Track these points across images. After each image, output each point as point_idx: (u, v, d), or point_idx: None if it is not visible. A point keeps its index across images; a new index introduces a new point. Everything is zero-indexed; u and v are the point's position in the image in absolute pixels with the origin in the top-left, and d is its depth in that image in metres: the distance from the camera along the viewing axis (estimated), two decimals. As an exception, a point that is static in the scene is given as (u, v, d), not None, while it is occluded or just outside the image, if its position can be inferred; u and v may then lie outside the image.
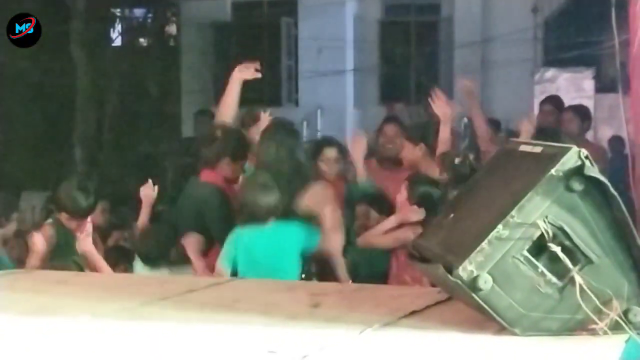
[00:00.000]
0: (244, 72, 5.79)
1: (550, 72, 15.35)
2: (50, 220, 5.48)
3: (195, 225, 5.21)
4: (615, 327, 2.52)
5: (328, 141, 6.36)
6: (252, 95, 16.43)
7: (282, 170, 5.14)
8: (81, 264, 4.99)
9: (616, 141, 10.40)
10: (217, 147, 5.41)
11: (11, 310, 2.95)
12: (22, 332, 2.71)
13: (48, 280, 3.66)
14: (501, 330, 2.55)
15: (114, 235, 7.11)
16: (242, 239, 4.90)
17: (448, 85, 16.01)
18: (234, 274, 4.82)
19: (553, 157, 2.55)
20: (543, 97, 10.08)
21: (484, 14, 15.64)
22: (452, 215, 2.85)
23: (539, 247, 2.52)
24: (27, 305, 3.05)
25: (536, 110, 9.24)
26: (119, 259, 5.62)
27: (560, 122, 7.89)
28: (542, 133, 6.71)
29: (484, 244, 2.50)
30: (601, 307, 2.51)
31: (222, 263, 4.87)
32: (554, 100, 8.42)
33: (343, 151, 6.03)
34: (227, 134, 5.50)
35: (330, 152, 5.98)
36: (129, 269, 5.35)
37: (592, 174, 2.52)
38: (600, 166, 2.64)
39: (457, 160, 5.46)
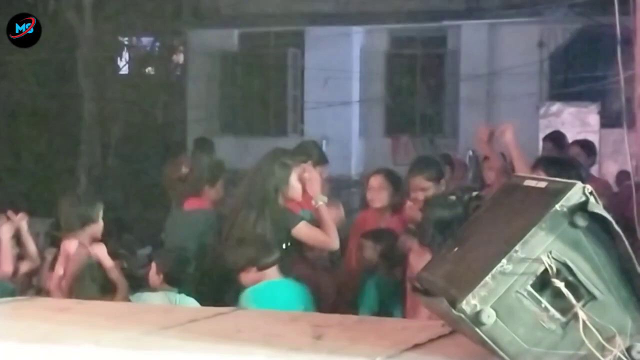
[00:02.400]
0: None
1: (556, 107, 15.39)
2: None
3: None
4: (618, 364, 2.51)
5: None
6: (258, 125, 16.49)
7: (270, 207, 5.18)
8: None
9: (622, 176, 10.41)
10: (194, 178, 5.76)
11: (13, 338, 2.94)
12: (23, 360, 2.70)
13: (50, 308, 3.66)
14: (504, 365, 2.54)
15: (117, 263, 7.11)
16: None
17: (453, 117, 16.09)
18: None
19: (557, 193, 2.56)
20: (548, 131, 10.09)
21: (490, 47, 15.71)
22: (456, 248, 2.85)
23: (542, 283, 2.52)
24: (29, 334, 3.04)
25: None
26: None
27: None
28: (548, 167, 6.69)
29: (488, 278, 2.50)
30: (604, 343, 2.50)
31: None
32: (555, 136, 8.43)
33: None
34: (197, 164, 5.87)
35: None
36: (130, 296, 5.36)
37: (596, 210, 2.52)
38: (604, 201, 2.65)
39: (450, 198, 5.43)
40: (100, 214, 5.29)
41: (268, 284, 4.90)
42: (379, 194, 6.06)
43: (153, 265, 5.33)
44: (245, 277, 4.92)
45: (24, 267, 5.57)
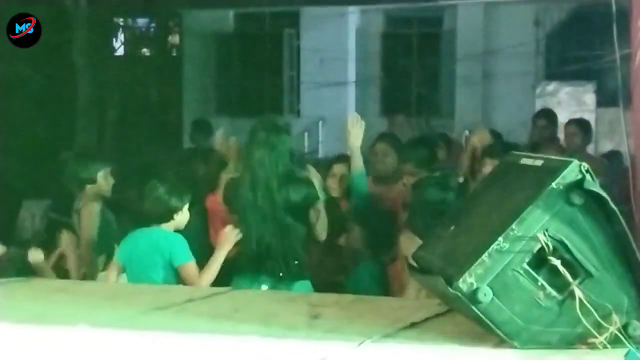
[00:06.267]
0: None
1: (552, 86, 15.36)
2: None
3: None
4: (615, 341, 2.51)
5: (338, 158, 6.25)
6: (254, 106, 16.50)
7: (268, 174, 5.09)
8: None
9: (616, 155, 10.40)
10: (205, 174, 5.57)
11: (10, 318, 2.95)
12: (20, 341, 2.70)
13: (47, 289, 3.67)
14: (500, 343, 2.54)
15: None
16: (130, 241, 4.97)
17: (449, 97, 16.07)
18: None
19: (554, 171, 2.55)
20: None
21: (486, 27, 15.66)
22: (452, 227, 2.85)
23: (539, 260, 2.52)
24: (26, 314, 3.04)
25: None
26: None
27: (554, 135, 7.90)
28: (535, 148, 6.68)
29: (484, 256, 2.50)
30: (601, 320, 2.51)
31: (115, 259, 4.98)
32: (547, 114, 8.41)
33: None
34: (204, 159, 5.67)
35: (338, 169, 5.91)
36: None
37: (592, 188, 2.52)
38: (601, 180, 2.64)
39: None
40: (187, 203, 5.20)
41: None
42: (384, 160, 6.06)
43: None
44: None
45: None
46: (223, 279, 4.83)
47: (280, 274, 4.93)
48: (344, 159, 5.93)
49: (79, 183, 5.76)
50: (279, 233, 4.98)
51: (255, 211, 4.99)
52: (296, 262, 5.01)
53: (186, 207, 5.00)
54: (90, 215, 5.63)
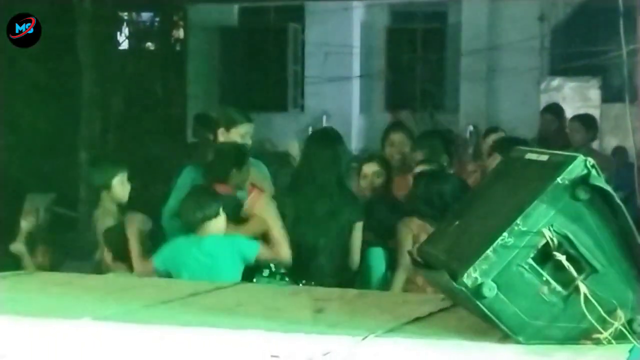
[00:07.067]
0: None
1: (557, 81, 15.35)
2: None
3: None
4: (620, 337, 2.51)
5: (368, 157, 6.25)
6: (258, 100, 16.49)
7: (324, 180, 5.14)
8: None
9: (621, 151, 10.39)
10: (221, 163, 5.52)
11: (13, 312, 2.95)
12: (23, 335, 2.70)
13: (51, 282, 3.66)
14: (505, 338, 2.54)
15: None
16: (180, 247, 5.02)
17: (454, 92, 16.06)
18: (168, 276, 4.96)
19: (559, 166, 2.55)
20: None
21: (491, 21, 15.65)
22: (457, 222, 2.84)
23: (543, 256, 2.51)
24: (29, 307, 3.04)
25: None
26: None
27: (562, 130, 7.90)
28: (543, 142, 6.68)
29: (489, 251, 2.49)
30: (605, 316, 2.50)
31: (156, 262, 5.04)
32: (554, 109, 8.41)
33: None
34: (225, 149, 5.62)
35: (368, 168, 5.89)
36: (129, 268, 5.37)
37: (598, 184, 2.51)
38: (606, 175, 2.64)
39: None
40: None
41: None
42: (402, 149, 6.07)
43: None
44: None
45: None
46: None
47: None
48: (374, 157, 5.97)
49: (94, 190, 5.68)
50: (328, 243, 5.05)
51: (308, 219, 5.06)
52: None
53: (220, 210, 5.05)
54: (105, 223, 5.55)
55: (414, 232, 5.11)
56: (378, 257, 5.36)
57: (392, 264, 5.29)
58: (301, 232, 5.14)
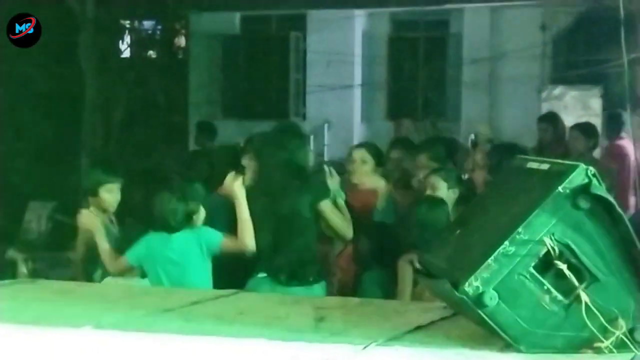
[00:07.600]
0: None
1: (558, 90, 15.33)
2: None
3: None
4: (621, 346, 2.51)
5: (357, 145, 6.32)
6: (260, 109, 16.48)
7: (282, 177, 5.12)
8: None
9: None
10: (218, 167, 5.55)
11: (14, 320, 2.94)
12: (24, 343, 2.70)
13: (51, 290, 3.66)
14: (506, 346, 2.54)
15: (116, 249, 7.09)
16: (152, 243, 5.06)
17: (456, 101, 16.05)
18: (143, 275, 5.05)
19: (560, 175, 2.55)
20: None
21: (493, 30, 15.65)
22: (458, 230, 2.84)
23: (545, 264, 2.51)
24: (30, 315, 3.04)
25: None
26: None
27: (561, 138, 7.90)
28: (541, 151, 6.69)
29: (491, 260, 2.49)
30: (607, 325, 2.50)
31: (129, 258, 5.10)
32: (549, 118, 8.43)
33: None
34: (221, 153, 5.65)
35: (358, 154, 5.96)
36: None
37: (599, 193, 2.51)
38: (607, 184, 2.64)
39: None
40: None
41: None
42: (399, 166, 6.12)
43: None
44: None
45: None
46: (236, 282, 4.86)
47: (296, 278, 4.96)
48: (363, 145, 6.04)
49: (83, 192, 5.73)
50: (294, 234, 5.02)
51: (270, 214, 5.03)
52: (311, 264, 5.04)
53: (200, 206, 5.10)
54: (86, 227, 5.56)
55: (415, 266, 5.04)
56: (372, 282, 5.34)
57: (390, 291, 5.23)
58: (261, 229, 5.10)
